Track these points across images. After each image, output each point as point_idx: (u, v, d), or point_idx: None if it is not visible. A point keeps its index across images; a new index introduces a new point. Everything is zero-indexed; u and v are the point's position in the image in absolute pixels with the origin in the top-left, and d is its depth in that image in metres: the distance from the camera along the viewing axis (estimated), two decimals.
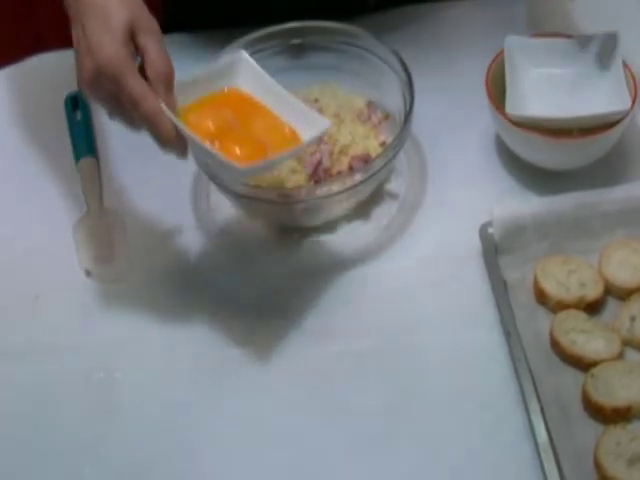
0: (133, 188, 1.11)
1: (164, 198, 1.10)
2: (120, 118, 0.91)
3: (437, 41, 1.21)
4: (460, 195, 1.07)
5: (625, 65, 1.05)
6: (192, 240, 1.07)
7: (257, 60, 1.05)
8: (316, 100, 1.09)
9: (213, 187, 1.05)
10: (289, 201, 1.01)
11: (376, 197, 1.07)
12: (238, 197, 1.01)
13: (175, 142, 0.89)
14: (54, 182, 1.13)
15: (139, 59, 0.89)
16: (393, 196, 1.08)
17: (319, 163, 1.04)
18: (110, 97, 0.89)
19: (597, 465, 0.86)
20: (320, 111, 1.06)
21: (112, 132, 1.14)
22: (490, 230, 1.00)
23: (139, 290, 1.03)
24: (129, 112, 0.89)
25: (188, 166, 1.03)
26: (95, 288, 1.03)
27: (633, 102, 1.02)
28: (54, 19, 1.65)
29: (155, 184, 1.11)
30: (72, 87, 1.16)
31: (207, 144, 0.91)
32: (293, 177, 1.04)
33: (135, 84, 0.87)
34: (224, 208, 1.08)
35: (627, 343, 0.93)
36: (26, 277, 1.05)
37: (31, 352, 1.00)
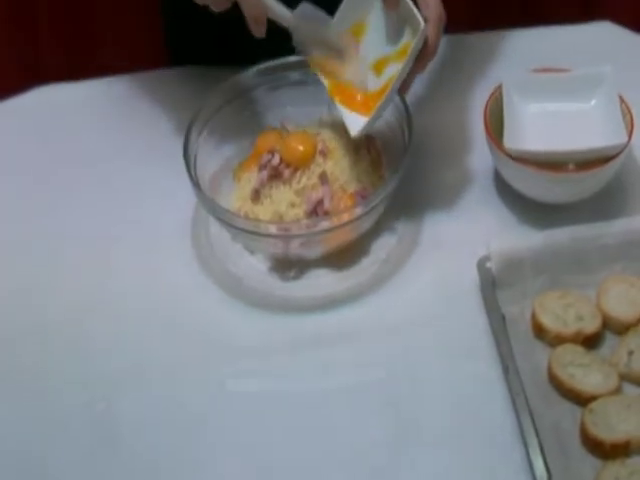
0: (133, 217, 1.12)
1: (163, 229, 1.11)
2: None
3: (436, 75, 1.21)
4: (458, 229, 1.08)
5: (621, 99, 1.06)
6: (190, 271, 1.07)
7: (258, 94, 1.12)
8: (317, 134, 1.09)
9: (213, 219, 1.05)
10: (288, 235, 1.01)
11: (375, 230, 1.07)
12: (237, 230, 1.02)
13: (261, 19, 0.96)
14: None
15: None
16: (392, 230, 1.08)
17: (319, 202, 1.04)
18: None
19: None
20: (323, 143, 1.07)
21: (120, 157, 1.18)
22: (488, 264, 1.00)
23: (137, 321, 1.03)
24: None
25: (188, 197, 1.05)
26: (96, 319, 1.04)
27: (630, 136, 1.03)
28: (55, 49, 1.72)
29: (155, 215, 1.11)
30: (72, 119, 1.21)
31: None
32: (292, 211, 1.05)
33: None
34: (223, 240, 1.08)
35: (625, 377, 0.94)
36: (29, 310, 1.06)
37: (35, 382, 1.01)
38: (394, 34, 1.02)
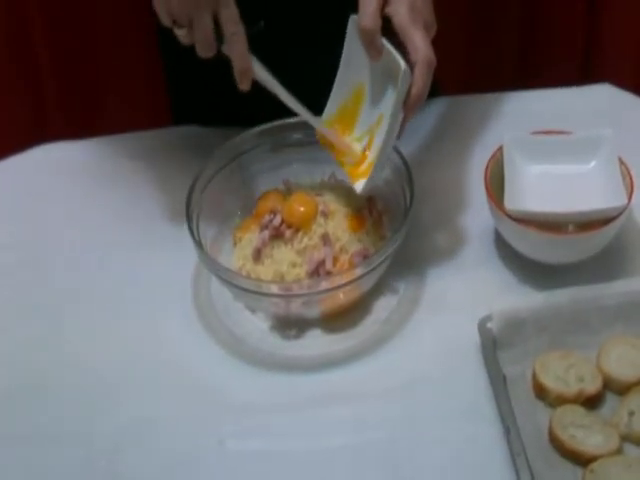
0: (134, 276, 1.13)
1: (164, 288, 1.11)
2: (201, 35, 0.96)
3: (436, 135, 1.23)
4: (459, 289, 1.08)
5: (621, 161, 1.07)
6: (192, 330, 1.08)
7: (259, 154, 1.14)
8: (319, 194, 1.10)
9: (214, 278, 1.05)
10: (290, 294, 1.02)
11: (376, 290, 1.08)
12: (239, 289, 1.02)
13: (247, 73, 0.98)
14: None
15: None
16: (393, 289, 1.09)
17: (321, 263, 1.05)
18: (199, 13, 0.95)
19: None
20: (324, 204, 1.08)
21: (120, 218, 1.19)
22: (489, 324, 1.00)
23: (138, 379, 1.04)
24: (212, 33, 0.96)
25: (190, 256, 1.06)
26: (97, 376, 1.04)
27: (629, 198, 1.04)
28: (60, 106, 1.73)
29: (156, 274, 1.13)
30: (72, 178, 1.23)
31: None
32: (293, 271, 1.05)
33: (234, 8, 0.96)
34: (225, 299, 1.09)
35: (626, 438, 0.94)
36: (29, 366, 1.06)
37: (35, 438, 1.01)
38: (388, 88, 1.03)
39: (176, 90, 1.36)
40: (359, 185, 1.03)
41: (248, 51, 0.98)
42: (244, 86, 0.99)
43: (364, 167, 1.04)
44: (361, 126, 1.05)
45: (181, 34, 0.97)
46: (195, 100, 1.32)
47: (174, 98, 1.37)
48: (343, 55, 1.04)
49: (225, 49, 0.97)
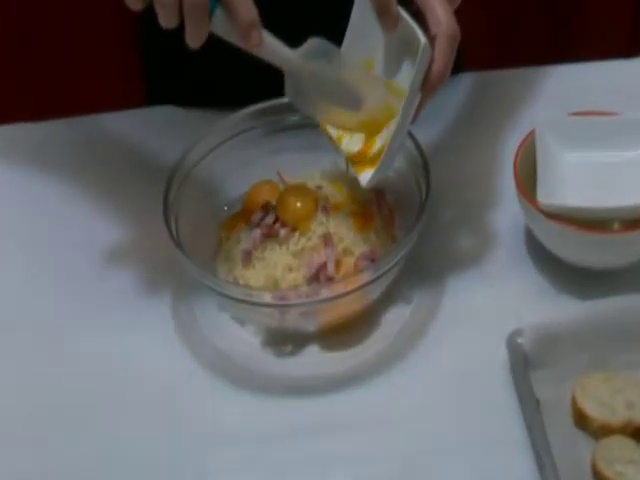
0: (102, 281, 1.12)
1: (138, 295, 1.10)
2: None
3: (458, 118, 1.24)
4: (484, 298, 1.07)
5: None
6: (170, 345, 1.06)
7: (249, 140, 1.13)
8: (319, 187, 1.09)
9: (196, 287, 1.04)
10: (285, 304, 0.99)
11: (385, 300, 1.07)
12: (225, 298, 1.00)
13: (255, 24, 0.92)
14: None
15: None
16: (406, 298, 1.07)
17: (322, 267, 1.03)
18: None
19: None
20: (325, 199, 1.07)
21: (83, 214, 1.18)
22: (519, 340, 0.98)
23: (107, 405, 1.02)
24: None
25: (168, 259, 1.05)
26: (58, 402, 1.03)
27: None
28: None
29: (129, 278, 1.11)
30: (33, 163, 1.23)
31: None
32: (289, 276, 1.04)
33: None
34: (208, 309, 1.08)
35: None
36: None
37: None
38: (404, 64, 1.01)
39: (150, 64, 1.34)
40: (365, 177, 1.01)
41: None
42: (255, 41, 0.93)
43: (371, 156, 1.01)
44: None
45: None
46: (172, 76, 1.30)
47: (147, 74, 1.36)
48: (349, 27, 1.02)
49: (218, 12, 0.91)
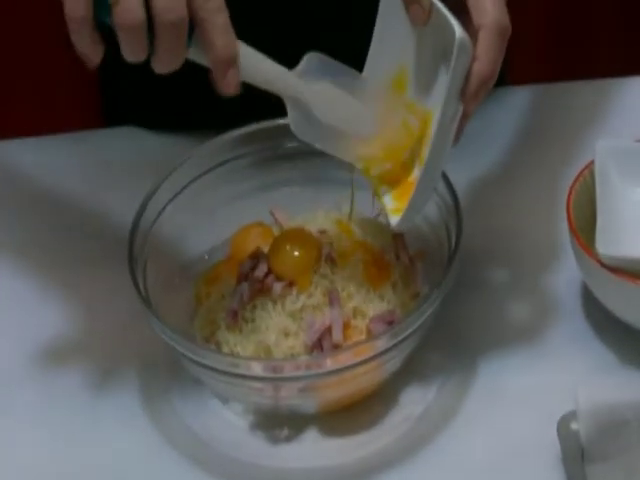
0: (53, 340, 1.12)
1: (96, 362, 1.10)
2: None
3: (496, 144, 1.24)
4: (528, 372, 1.05)
5: None
6: (136, 428, 1.05)
7: (235, 171, 1.13)
8: (322, 231, 1.09)
9: (169, 355, 1.03)
10: (280, 377, 0.98)
11: (406, 373, 1.05)
12: (204, 370, 0.98)
13: (234, 60, 0.92)
14: None
15: None
16: (431, 373, 1.06)
17: (326, 332, 1.03)
18: None
19: None
20: (330, 246, 1.06)
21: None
22: (574, 426, 0.96)
23: None
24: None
25: (134, 317, 1.04)
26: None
27: None
28: None
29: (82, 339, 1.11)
30: None
31: None
32: (285, 342, 1.03)
33: None
34: (184, 383, 1.06)
35: None
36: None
37: None
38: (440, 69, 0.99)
39: (106, 73, 1.34)
40: (394, 217, 0.99)
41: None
42: (231, 88, 0.93)
43: (404, 189, 1.00)
44: None
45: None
46: (134, 87, 1.30)
47: (104, 86, 1.37)
48: (376, 29, 1.00)
49: (194, 39, 0.90)
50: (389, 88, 1.02)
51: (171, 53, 0.89)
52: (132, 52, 0.89)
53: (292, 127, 0.99)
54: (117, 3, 0.87)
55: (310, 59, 0.96)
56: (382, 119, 1.02)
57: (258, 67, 0.95)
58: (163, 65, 0.90)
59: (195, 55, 0.92)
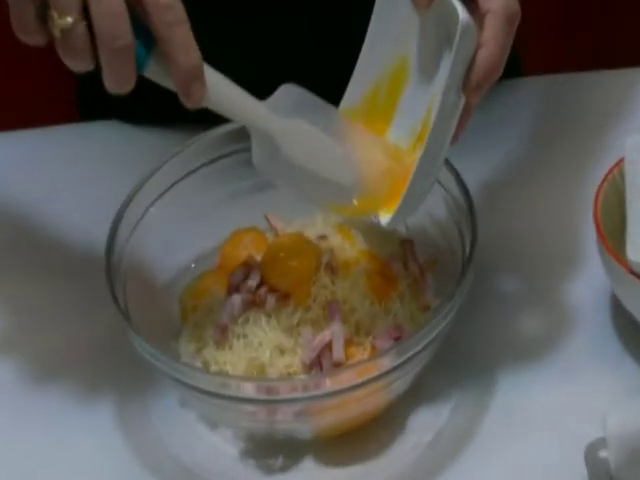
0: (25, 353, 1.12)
1: (72, 381, 1.09)
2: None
3: (516, 142, 1.24)
4: (551, 394, 1.04)
5: None
6: (115, 456, 1.04)
7: (227, 170, 1.13)
8: (322, 237, 1.08)
9: (152, 375, 1.02)
10: (274, 399, 0.97)
11: (414, 395, 1.04)
12: (190, 390, 0.98)
13: (199, 74, 0.91)
14: None
15: None
16: (442, 393, 1.05)
17: (326, 348, 1.02)
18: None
19: None
20: (330, 253, 1.06)
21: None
22: (602, 453, 0.94)
23: None
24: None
25: (111, 331, 1.05)
26: None
27: None
28: None
29: (56, 355, 1.11)
30: None
31: None
32: (280, 360, 1.02)
33: None
34: (167, 406, 1.06)
35: None
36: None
37: None
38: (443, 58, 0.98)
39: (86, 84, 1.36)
40: (386, 216, 0.98)
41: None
42: (196, 101, 0.92)
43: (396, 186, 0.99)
44: (401, 122, 1.02)
45: None
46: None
47: (79, 78, 1.35)
48: (374, 15, 1.00)
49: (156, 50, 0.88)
50: (370, 129, 1.03)
51: (120, 77, 0.89)
52: (76, 67, 0.89)
53: (254, 161, 0.99)
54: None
55: (285, 90, 0.96)
56: (361, 167, 1.00)
57: (223, 93, 0.95)
58: (113, 88, 0.90)
59: (154, 72, 0.92)
